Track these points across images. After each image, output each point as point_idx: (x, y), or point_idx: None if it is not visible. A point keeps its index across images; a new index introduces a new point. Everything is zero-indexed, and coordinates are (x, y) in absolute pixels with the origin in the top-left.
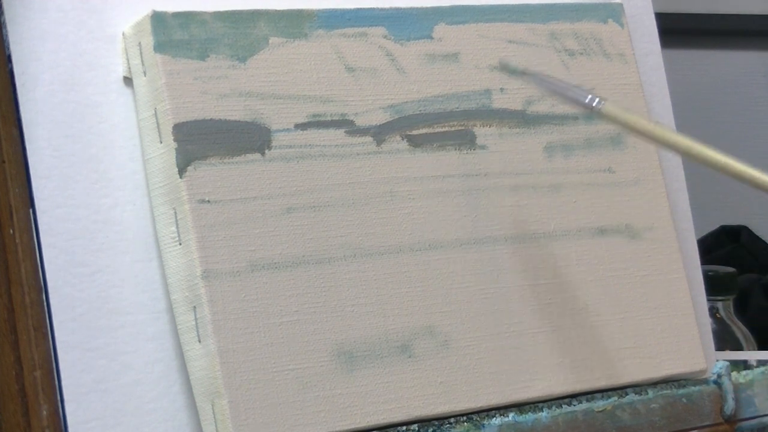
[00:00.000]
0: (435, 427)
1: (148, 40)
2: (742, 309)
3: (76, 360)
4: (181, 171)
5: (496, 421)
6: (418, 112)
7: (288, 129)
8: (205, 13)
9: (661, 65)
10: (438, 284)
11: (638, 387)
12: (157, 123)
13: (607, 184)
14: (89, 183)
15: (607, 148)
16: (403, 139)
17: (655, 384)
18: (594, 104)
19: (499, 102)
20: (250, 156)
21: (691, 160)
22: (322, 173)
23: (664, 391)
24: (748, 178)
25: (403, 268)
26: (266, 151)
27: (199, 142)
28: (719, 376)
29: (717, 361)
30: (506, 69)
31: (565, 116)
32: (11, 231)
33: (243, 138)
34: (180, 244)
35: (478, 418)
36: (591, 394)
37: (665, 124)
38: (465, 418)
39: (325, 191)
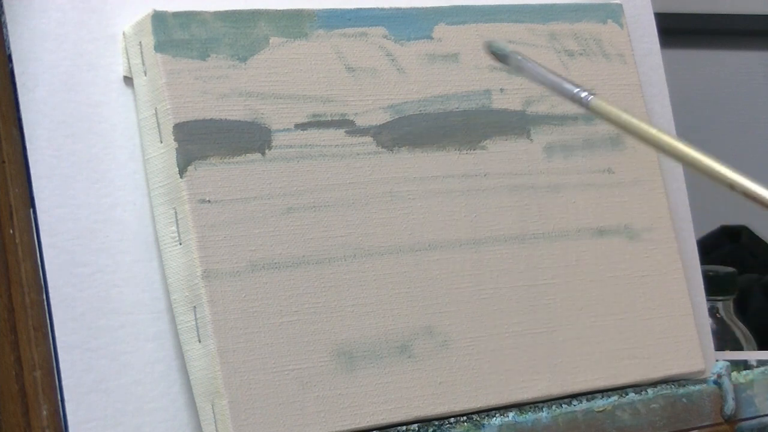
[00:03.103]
0: (435, 427)
1: (149, 40)
2: (742, 309)
3: (76, 360)
4: (182, 171)
5: (496, 421)
6: (418, 112)
7: (288, 129)
8: (205, 12)
9: (660, 65)
10: (438, 284)
11: (638, 387)
12: (158, 123)
13: (606, 185)
14: (89, 183)
15: (607, 148)
16: (403, 139)
17: (655, 384)
18: (582, 96)
19: (499, 102)
20: (250, 156)
21: (676, 160)
22: (322, 173)
23: (664, 391)
24: (730, 180)
25: (403, 268)
26: (266, 151)
27: (200, 141)
28: (719, 376)
29: (717, 361)
30: (491, 49)
31: (565, 116)
32: (11, 231)
33: (243, 138)
34: (180, 244)
35: (478, 418)
36: (591, 394)
37: (655, 124)
38: (465, 418)
39: (325, 191)
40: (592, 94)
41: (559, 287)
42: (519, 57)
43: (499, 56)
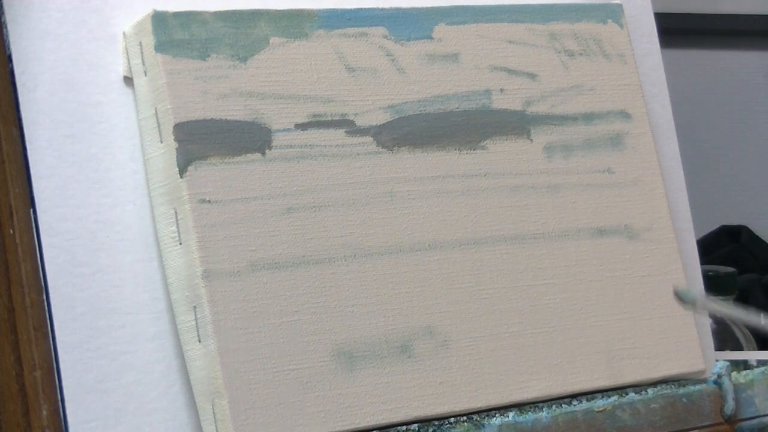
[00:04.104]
0: (435, 427)
1: (149, 40)
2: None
3: (76, 360)
4: (182, 171)
5: (496, 421)
6: (418, 112)
7: (288, 129)
8: (205, 12)
9: (660, 65)
10: (438, 284)
11: (638, 387)
12: (158, 123)
13: (606, 185)
14: (90, 183)
15: (607, 148)
16: (403, 139)
17: (655, 384)
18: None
19: (499, 102)
20: (250, 156)
21: None
22: (322, 173)
23: (665, 391)
24: None
25: (403, 268)
26: (267, 151)
27: (200, 141)
28: (719, 376)
29: (717, 361)
30: (680, 297)
31: (565, 116)
32: (11, 231)
33: (243, 138)
34: (180, 244)
35: (478, 418)
36: (591, 394)
37: None
38: (465, 418)
39: (326, 191)
40: None
41: (559, 287)
42: (706, 301)
43: (687, 300)
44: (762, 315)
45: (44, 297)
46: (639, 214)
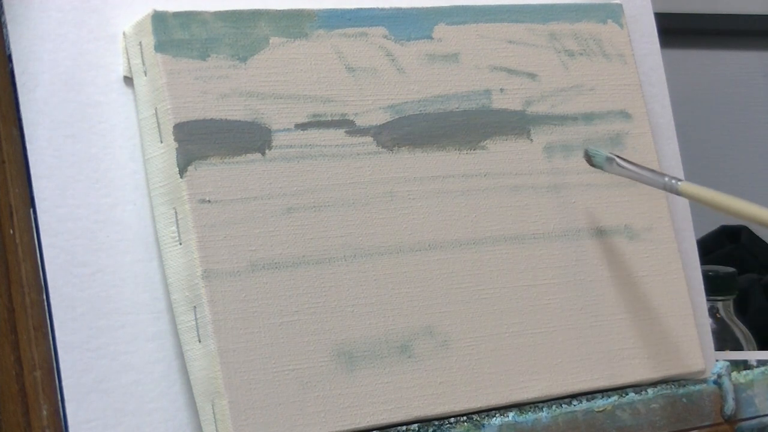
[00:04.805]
0: (435, 427)
1: (149, 40)
2: (742, 309)
3: (76, 360)
4: (182, 171)
5: (496, 421)
6: (418, 112)
7: (288, 129)
8: (205, 12)
9: (660, 65)
10: (438, 284)
11: (638, 387)
12: (158, 123)
13: (606, 185)
14: (90, 183)
15: (607, 148)
16: (403, 139)
17: (655, 384)
18: (672, 183)
19: (499, 102)
20: (250, 156)
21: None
22: (322, 173)
23: (665, 391)
24: None
25: (403, 268)
26: (267, 151)
27: (200, 141)
28: (719, 376)
29: (717, 361)
30: (590, 156)
31: (565, 116)
32: (11, 231)
33: (243, 138)
34: (180, 243)
35: (478, 418)
36: (591, 394)
37: (742, 198)
38: (465, 418)
39: (326, 191)
40: (680, 180)
41: (559, 287)
42: (615, 160)
43: (597, 161)
44: (666, 176)
45: (44, 297)
46: (639, 214)
